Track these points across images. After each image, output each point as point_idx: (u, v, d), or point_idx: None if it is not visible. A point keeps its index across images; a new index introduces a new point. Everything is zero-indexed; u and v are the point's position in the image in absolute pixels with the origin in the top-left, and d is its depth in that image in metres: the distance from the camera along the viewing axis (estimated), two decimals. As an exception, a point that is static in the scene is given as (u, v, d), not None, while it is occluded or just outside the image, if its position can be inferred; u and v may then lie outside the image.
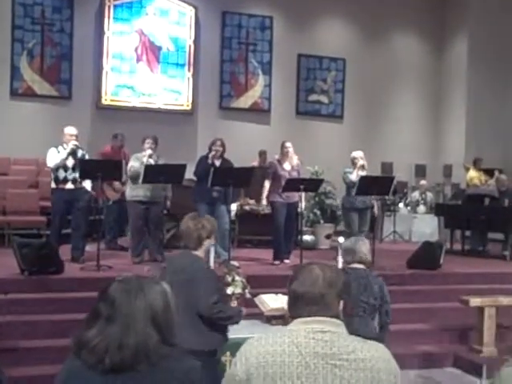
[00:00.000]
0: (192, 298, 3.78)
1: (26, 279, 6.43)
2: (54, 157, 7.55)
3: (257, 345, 1.98)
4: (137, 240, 7.91)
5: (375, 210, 8.80)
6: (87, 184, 7.79)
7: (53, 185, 7.67)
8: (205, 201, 7.90)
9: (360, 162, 8.47)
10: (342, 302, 2.07)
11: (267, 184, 8.31)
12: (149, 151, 7.89)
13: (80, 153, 7.70)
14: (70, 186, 7.57)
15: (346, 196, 8.62)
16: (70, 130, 7.74)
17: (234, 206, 9.42)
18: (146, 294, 1.90)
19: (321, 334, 1.95)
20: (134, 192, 7.84)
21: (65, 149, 7.59)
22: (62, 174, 7.56)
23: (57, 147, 7.65)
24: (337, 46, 13.86)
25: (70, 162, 7.57)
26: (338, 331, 1.98)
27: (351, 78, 13.93)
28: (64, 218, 7.81)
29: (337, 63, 13.94)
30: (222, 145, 8.09)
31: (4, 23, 11.65)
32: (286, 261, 8.17)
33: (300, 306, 2.04)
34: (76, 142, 7.64)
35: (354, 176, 8.35)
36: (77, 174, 7.56)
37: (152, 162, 7.83)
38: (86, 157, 7.81)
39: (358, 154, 8.65)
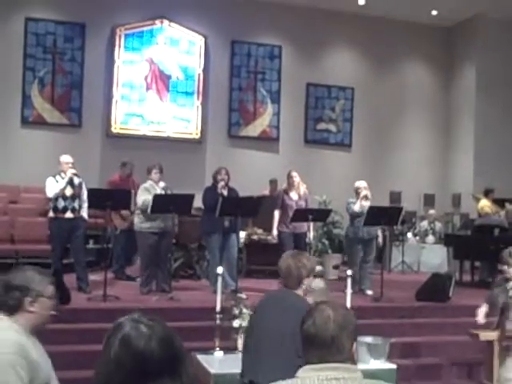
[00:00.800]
0: (296, 341, 3.65)
1: (33, 309, 6.40)
2: (53, 186, 7.52)
3: None
4: (148, 271, 7.85)
5: (380, 239, 8.76)
6: (84, 212, 7.75)
7: (51, 214, 7.61)
8: (218, 231, 7.88)
9: (363, 193, 8.47)
10: (355, 344, 2.05)
11: (277, 214, 8.30)
12: (162, 183, 7.91)
13: (77, 181, 7.65)
14: (69, 215, 7.52)
15: (349, 226, 8.62)
16: (66, 159, 7.69)
17: (242, 234, 9.39)
18: (169, 330, 1.75)
19: (335, 381, 1.91)
20: (148, 223, 7.76)
21: (62, 178, 7.55)
22: (61, 203, 7.50)
23: (54, 176, 7.61)
24: (345, 75, 13.94)
25: (69, 191, 7.55)
26: (352, 376, 1.95)
27: (360, 107, 13.98)
28: (64, 247, 7.78)
29: (345, 92, 13.99)
30: (227, 173, 8.10)
31: (16, 52, 11.81)
32: (294, 292, 8.11)
33: (311, 351, 2.01)
34: (74, 171, 7.58)
35: (357, 207, 8.36)
36: (76, 203, 7.55)
37: (163, 192, 7.87)
38: (83, 185, 7.75)
39: (361, 183, 8.63)
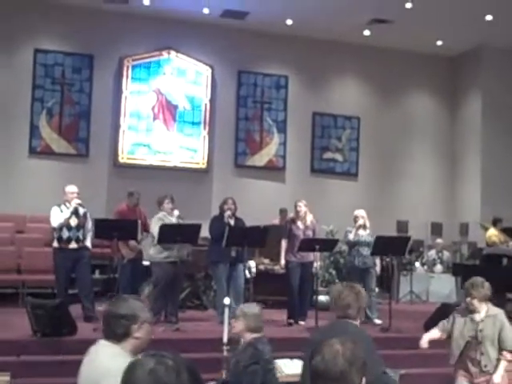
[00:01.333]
0: (368, 372, 3.58)
1: (39, 341, 6.37)
2: (58, 216, 7.55)
3: None
4: (159, 301, 7.76)
5: (377, 268, 8.66)
6: (88, 242, 7.75)
7: (55, 244, 7.63)
8: (225, 261, 7.85)
9: (359, 222, 8.44)
10: (364, 379, 2.02)
11: (284, 244, 8.27)
12: (177, 212, 7.90)
13: (82, 211, 7.68)
14: (73, 245, 7.55)
15: (347, 255, 8.62)
16: (72, 188, 7.74)
17: (253, 263, 9.34)
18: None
19: None
20: (165, 253, 7.69)
21: (67, 207, 7.58)
22: (65, 233, 7.53)
23: (59, 206, 7.64)
24: (351, 104, 14.01)
25: (74, 221, 7.56)
26: None
27: (365, 137, 14.02)
28: (69, 278, 7.75)
29: (351, 122, 14.04)
30: (234, 203, 8.11)
31: (25, 83, 11.93)
32: (302, 322, 8.05)
33: None
34: (79, 201, 7.62)
35: (352, 235, 8.36)
36: (80, 234, 7.55)
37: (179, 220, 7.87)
38: (88, 214, 7.78)
39: (359, 212, 8.62)
